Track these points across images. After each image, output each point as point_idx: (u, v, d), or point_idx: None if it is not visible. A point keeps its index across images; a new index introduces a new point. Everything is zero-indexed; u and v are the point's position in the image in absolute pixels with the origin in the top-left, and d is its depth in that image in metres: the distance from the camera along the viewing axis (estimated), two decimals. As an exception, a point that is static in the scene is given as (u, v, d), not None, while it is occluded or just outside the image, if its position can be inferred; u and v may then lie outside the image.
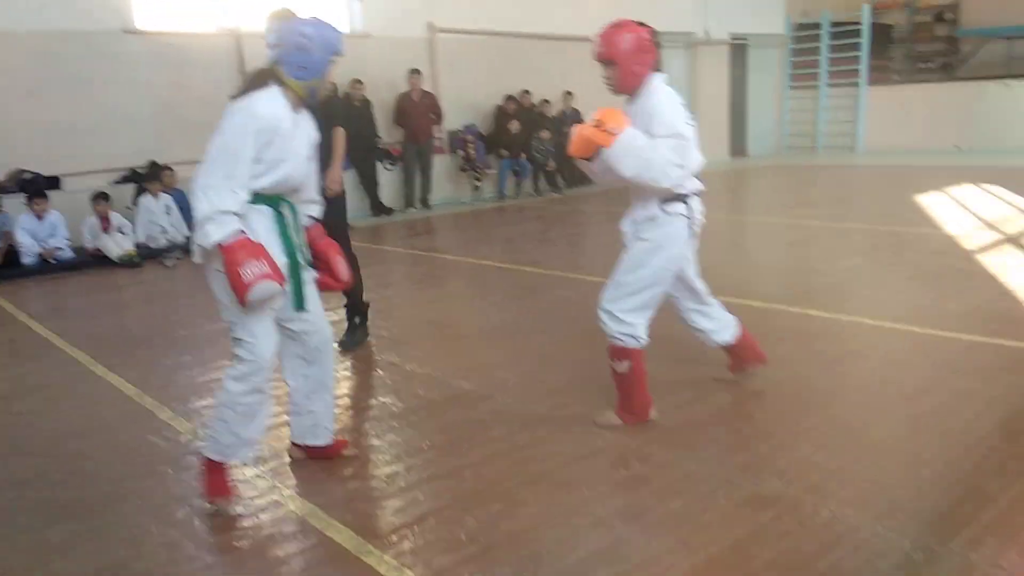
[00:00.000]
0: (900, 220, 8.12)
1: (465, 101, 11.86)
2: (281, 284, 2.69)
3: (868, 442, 3.12)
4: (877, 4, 17.78)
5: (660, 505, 2.72)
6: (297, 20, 2.77)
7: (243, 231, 2.63)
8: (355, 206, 10.54)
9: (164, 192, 8.49)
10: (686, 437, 3.25)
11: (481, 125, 12.02)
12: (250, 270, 2.58)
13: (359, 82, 10.32)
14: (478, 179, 11.80)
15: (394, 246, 8.69)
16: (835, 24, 16.07)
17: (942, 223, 7.71)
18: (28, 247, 7.70)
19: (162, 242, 8.25)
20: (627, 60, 3.14)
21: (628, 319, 3.26)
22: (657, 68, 3.22)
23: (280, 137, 2.70)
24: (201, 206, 2.61)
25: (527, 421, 3.50)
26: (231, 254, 2.58)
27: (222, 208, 2.59)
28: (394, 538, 2.60)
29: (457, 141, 11.72)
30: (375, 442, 3.42)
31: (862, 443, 3.11)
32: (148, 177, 8.63)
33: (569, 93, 12.68)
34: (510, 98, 11.96)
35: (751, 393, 3.69)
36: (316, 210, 3.09)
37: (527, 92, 12.20)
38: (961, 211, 8.39)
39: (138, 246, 8.12)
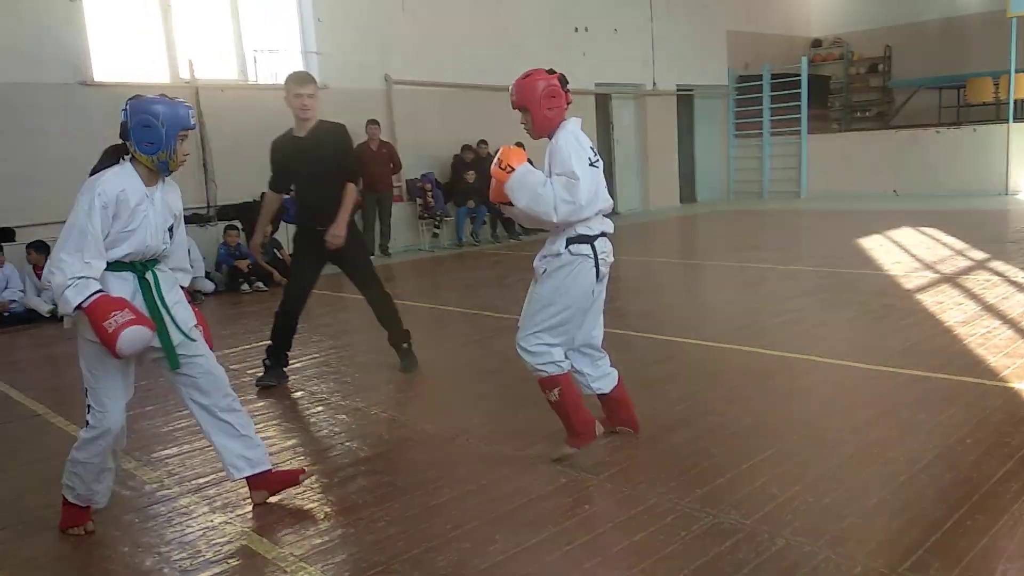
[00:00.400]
0: (843, 262, 8.46)
1: (423, 151, 12.06)
2: (150, 328, 2.85)
3: (819, 473, 3.27)
4: (815, 57, 18.69)
5: (623, 538, 2.82)
6: (146, 99, 2.96)
7: (101, 291, 2.79)
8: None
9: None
10: (647, 472, 3.37)
11: (439, 174, 12.23)
12: (114, 320, 2.73)
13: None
14: (437, 226, 11.95)
15: (354, 293, 8.69)
16: (775, 76, 16.80)
17: (883, 264, 8.06)
18: (-21, 300, 7.56)
19: (117, 293, 8.17)
20: (538, 106, 3.35)
21: (544, 350, 3.42)
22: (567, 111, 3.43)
23: (128, 210, 2.89)
24: (56, 279, 2.76)
25: (492, 461, 3.59)
26: (93, 312, 2.73)
27: (77, 275, 2.76)
28: (366, 579, 2.65)
29: (415, 189, 11.88)
30: (342, 487, 3.46)
31: (813, 474, 3.26)
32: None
33: (520, 144, 12.97)
34: (466, 147, 12.21)
35: (707, 429, 3.83)
36: (184, 279, 3.25)
37: (484, 142, 12.47)
38: (900, 252, 8.78)
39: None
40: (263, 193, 5.40)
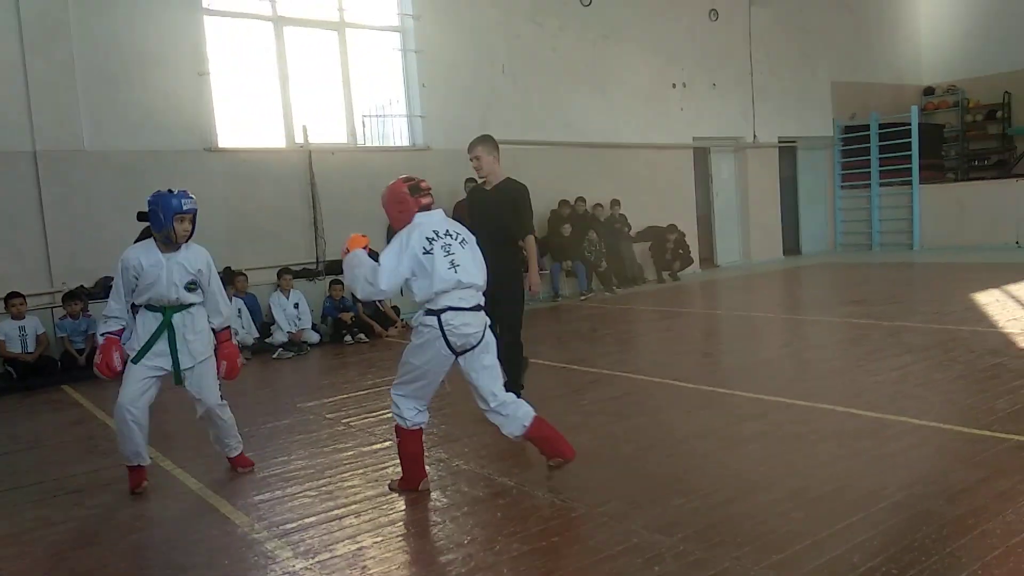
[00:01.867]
0: (954, 318, 8.05)
1: (519, 206, 12.32)
2: (109, 375, 4.27)
3: (905, 543, 3.12)
4: (927, 105, 18.05)
5: (690, 602, 2.78)
6: (156, 193, 4.26)
7: (113, 334, 4.28)
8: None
9: (236, 296, 9.01)
10: (722, 535, 3.31)
11: (536, 229, 12.43)
12: (100, 357, 4.25)
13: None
14: (532, 280, 12.11)
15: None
16: (884, 125, 16.30)
17: (998, 321, 7.62)
18: (108, 349, 8.26)
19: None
20: (390, 209, 4.07)
21: (398, 403, 4.05)
22: (424, 207, 4.03)
23: (144, 273, 4.22)
24: (104, 312, 4.35)
25: (566, 518, 3.61)
26: (102, 345, 4.30)
27: (105, 314, 4.32)
28: (432, 629, 2.72)
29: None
30: (420, 536, 3.57)
31: (899, 544, 3.12)
32: (223, 282, 9.17)
33: (616, 201, 13.14)
34: (563, 202, 12.41)
35: (789, 492, 3.73)
36: (216, 321, 4.52)
37: (581, 199, 12.65)
38: (1019, 308, 8.28)
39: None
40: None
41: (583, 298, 12.04)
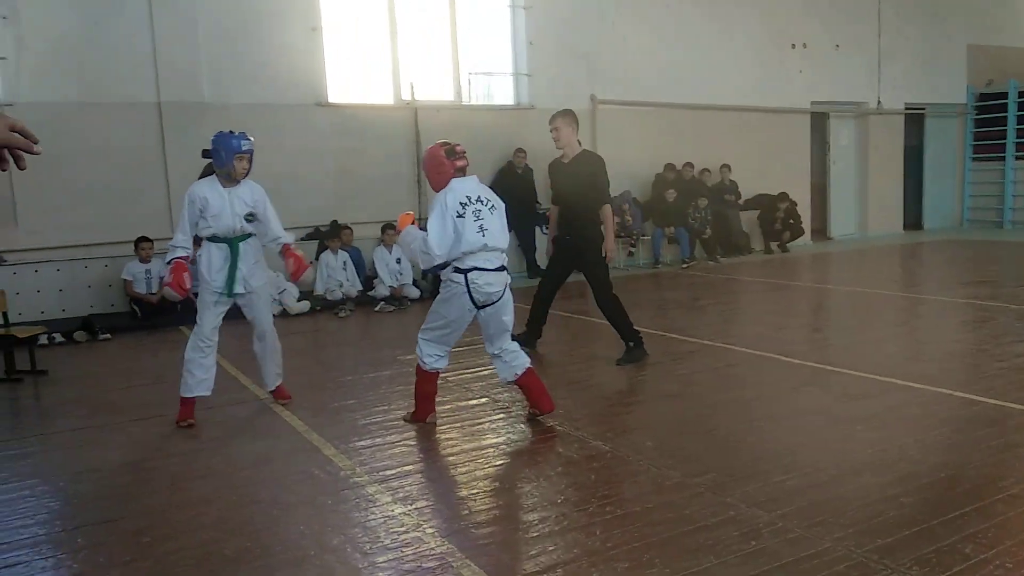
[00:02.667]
0: (1093, 304, 7.45)
1: (623, 169, 12.12)
2: (180, 294, 4.69)
3: (1020, 539, 2.94)
4: (1075, 71, 16.56)
5: (788, 580, 2.71)
6: (218, 134, 4.69)
7: (181, 259, 4.65)
8: (513, 268, 10.97)
9: (342, 249, 9.27)
10: (824, 515, 3.20)
11: (638, 193, 12.24)
12: (168, 279, 4.68)
13: (522, 151, 10.89)
14: (633, 245, 11.95)
15: (560, 310, 8.94)
16: (1023, 93, 15.10)
17: None
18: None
19: (338, 295, 8.98)
20: (429, 172, 4.41)
21: (422, 346, 4.50)
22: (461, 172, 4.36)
23: (209, 205, 4.67)
24: (171, 243, 4.76)
25: (659, 485, 3.57)
26: (169, 271, 4.67)
27: (173, 244, 4.71)
28: (523, 583, 2.76)
29: (613, 208, 11.95)
30: (512, 492, 3.61)
31: (1016, 538, 2.94)
32: (329, 235, 9.46)
33: (726, 167, 12.71)
34: (669, 166, 12.12)
35: (898, 477, 3.56)
36: (281, 238, 4.98)
37: (690, 164, 12.32)
38: None
39: (315, 298, 8.90)
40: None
41: (685, 266, 11.80)
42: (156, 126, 8.98)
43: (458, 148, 4.36)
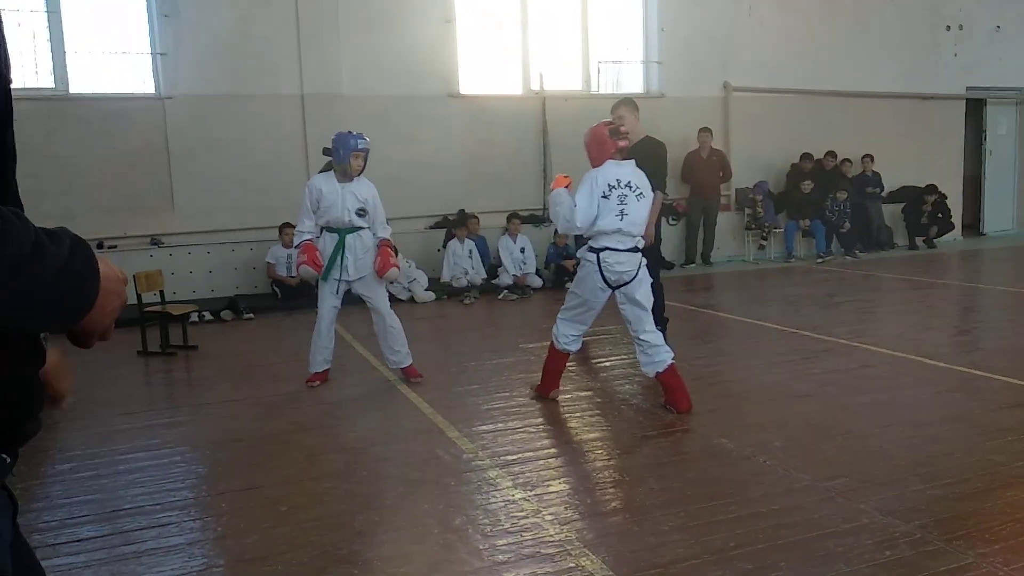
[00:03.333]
0: None
1: (757, 159, 11.73)
2: (316, 270, 5.05)
3: None
4: None
5: (926, 595, 2.56)
6: (338, 133, 5.08)
7: (309, 240, 5.10)
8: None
9: (469, 238, 9.45)
10: (968, 528, 3.00)
11: (773, 184, 11.79)
12: (302, 258, 5.07)
13: None
14: (764, 238, 11.54)
15: (671, 300, 8.78)
16: None
17: None
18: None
19: (463, 282, 9.17)
20: (590, 148, 4.56)
21: (559, 325, 4.70)
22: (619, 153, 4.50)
23: (324, 197, 5.08)
24: (297, 228, 5.27)
25: (787, 487, 3.45)
26: (300, 252, 5.11)
27: (299, 230, 5.19)
28: (642, 577, 2.74)
29: (745, 199, 11.60)
30: (633, 485, 3.58)
31: None
32: (456, 224, 9.67)
33: (869, 157, 12.03)
34: (806, 156, 11.61)
35: (1056, 494, 3.29)
36: (381, 234, 5.25)
37: (832, 153, 11.76)
38: None
39: (441, 285, 9.14)
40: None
41: (820, 261, 11.28)
42: (299, 117, 9.44)
43: (622, 129, 4.54)
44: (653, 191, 5.62)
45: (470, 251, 9.40)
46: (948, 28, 12.82)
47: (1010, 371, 5.17)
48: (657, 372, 4.52)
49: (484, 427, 4.42)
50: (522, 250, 9.42)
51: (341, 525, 3.24)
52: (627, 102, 5.99)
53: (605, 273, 4.43)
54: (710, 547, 2.93)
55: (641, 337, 4.53)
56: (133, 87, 8.95)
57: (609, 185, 4.40)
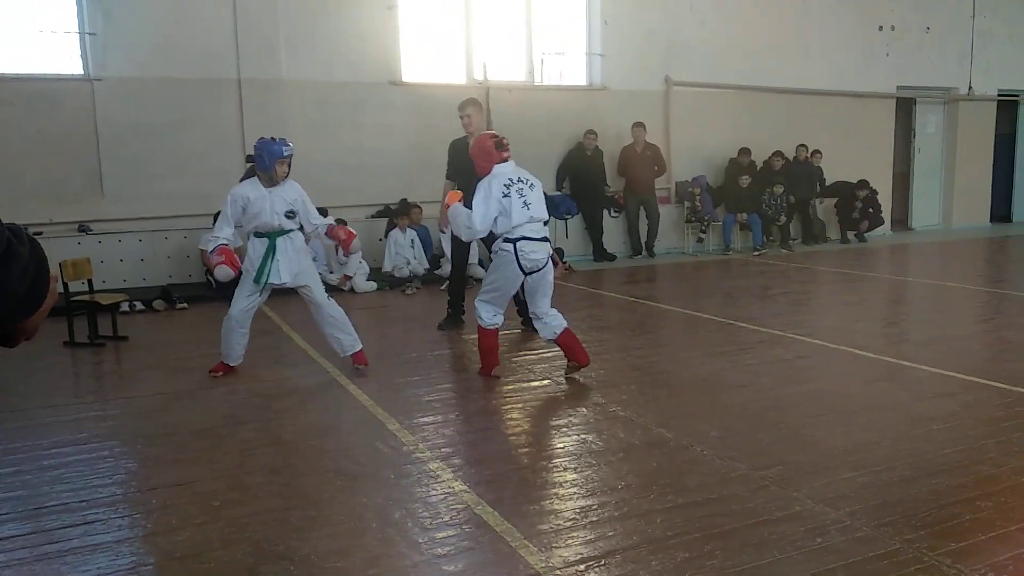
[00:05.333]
0: None
1: (697, 153, 11.91)
2: (234, 271, 5.07)
3: (1114, 551, 2.79)
4: None
5: (854, 580, 2.63)
6: (261, 140, 5.10)
7: (222, 244, 5.06)
8: (580, 251, 10.93)
9: (411, 227, 9.36)
10: (895, 514, 3.09)
11: (712, 178, 11.99)
12: (218, 259, 5.04)
13: (592, 133, 10.79)
14: (703, 231, 11.74)
15: (612, 291, 8.90)
16: None
17: None
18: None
19: (405, 272, 9.09)
20: (477, 159, 5.01)
21: (479, 308, 5.05)
22: (502, 160, 4.94)
23: (251, 204, 5.08)
24: (213, 233, 5.25)
25: (723, 476, 3.51)
26: (216, 254, 5.07)
27: (215, 235, 5.14)
28: (581, 567, 2.75)
29: (684, 192, 11.77)
30: (573, 476, 3.60)
31: (1106, 551, 2.79)
32: (398, 213, 9.56)
33: (803, 146, 12.32)
34: (743, 151, 11.83)
35: (977, 479, 3.42)
36: (320, 225, 5.37)
37: (779, 154, 11.98)
38: None
39: (383, 275, 9.03)
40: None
41: (756, 253, 11.53)
42: (236, 102, 9.20)
43: (504, 141, 4.96)
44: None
45: (412, 241, 9.32)
46: (880, 29, 13.20)
47: (935, 361, 5.37)
48: (556, 333, 5.03)
49: (425, 419, 4.39)
50: (411, 243, 9.29)
51: (277, 520, 3.17)
52: (474, 102, 6.66)
53: (522, 261, 4.84)
54: (648, 537, 2.96)
55: (539, 312, 5.05)
56: (60, 68, 8.60)
57: (506, 185, 4.83)
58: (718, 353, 5.80)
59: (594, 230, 11.03)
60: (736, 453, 3.77)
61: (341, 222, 6.24)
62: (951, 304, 8.03)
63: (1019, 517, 3.06)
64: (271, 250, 5.14)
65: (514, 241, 4.84)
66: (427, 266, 9.34)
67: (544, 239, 4.96)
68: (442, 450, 3.90)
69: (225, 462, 3.83)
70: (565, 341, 5.09)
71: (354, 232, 5.51)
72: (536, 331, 5.33)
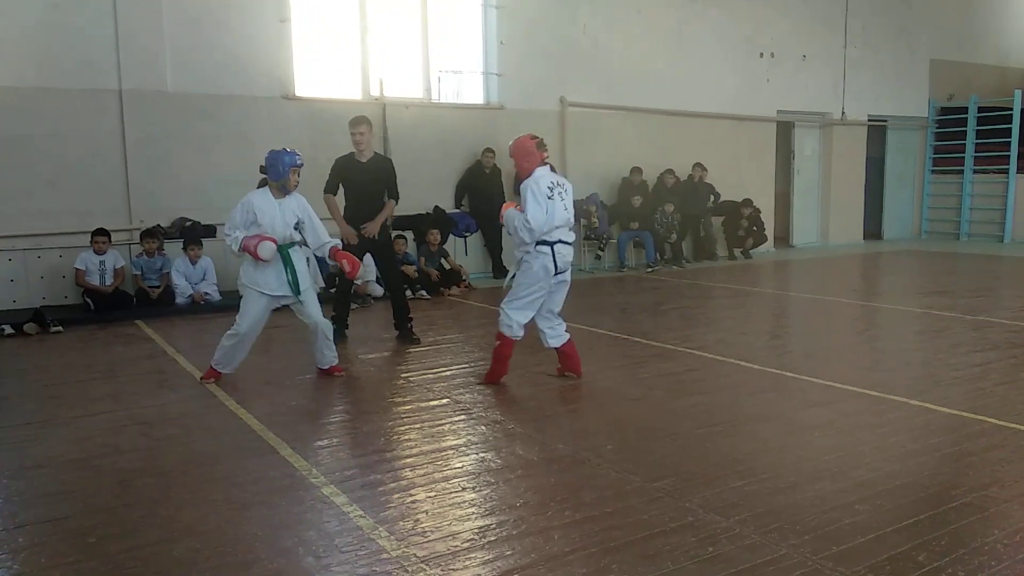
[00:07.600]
0: (1044, 316, 7.63)
1: (592, 172, 12.16)
2: (273, 243, 5.14)
3: (975, 546, 2.98)
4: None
5: (744, 587, 2.71)
6: (274, 151, 5.29)
7: (245, 236, 5.17)
8: (479, 268, 10.95)
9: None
10: (781, 521, 3.21)
11: (606, 196, 12.27)
12: (252, 243, 5.12)
13: (490, 151, 10.86)
14: (601, 248, 11.97)
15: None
16: (983, 108, 15.44)
17: (1092, 323, 7.18)
18: (182, 288, 8.49)
19: (298, 291, 8.84)
20: (519, 159, 5.20)
21: (511, 315, 5.15)
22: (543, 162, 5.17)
23: (259, 212, 5.22)
24: (227, 240, 5.30)
25: (619, 489, 3.56)
26: (245, 246, 5.17)
27: (235, 235, 5.20)
28: (479, 588, 2.72)
29: (580, 211, 11.98)
30: (472, 495, 3.56)
31: (969, 547, 2.98)
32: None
33: (699, 164, 12.78)
34: (635, 170, 12.17)
35: (856, 483, 3.59)
36: (328, 243, 5.54)
37: (670, 171, 12.36)
38: (1117, 311, 7.79)
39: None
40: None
41: (649, 270, 11.85)
42: (116, 114, 8.77)
43: (544, 141, 5.20)
44: (388, 199, 6.89)
45: (307, 259, 9.05)
46: (761, 55, 13.90)
47: (815, 372, 5.64)
48: (562, 343, 5.33)
49: (320, 443, 4.26)
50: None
51: (158, 555, 2.99)
52: (365, 120, 6.81)
53: (558, 261, 5.09)
54: (546, 554, 2.96)
55: (557, 312, 5.31)
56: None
57: (549, 187, 5.05)
58: (614, 367, 5.91)
59: (494, 248, 11.06)
60: (631, 466, 3.83)
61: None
62: (830, 317, 8.47)
63: (894, 519, 3.22)
64: (288, 261, 5.25)
65: (552, 244, 5.07)
66: (323, 285, 9.12)
67: (572, 243, 5.26)
68: (336, 474, 3.79)
69: (101, 495, 3.60)
70: (569, 351, 5.36)
71: (358, 261, 5.65)
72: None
